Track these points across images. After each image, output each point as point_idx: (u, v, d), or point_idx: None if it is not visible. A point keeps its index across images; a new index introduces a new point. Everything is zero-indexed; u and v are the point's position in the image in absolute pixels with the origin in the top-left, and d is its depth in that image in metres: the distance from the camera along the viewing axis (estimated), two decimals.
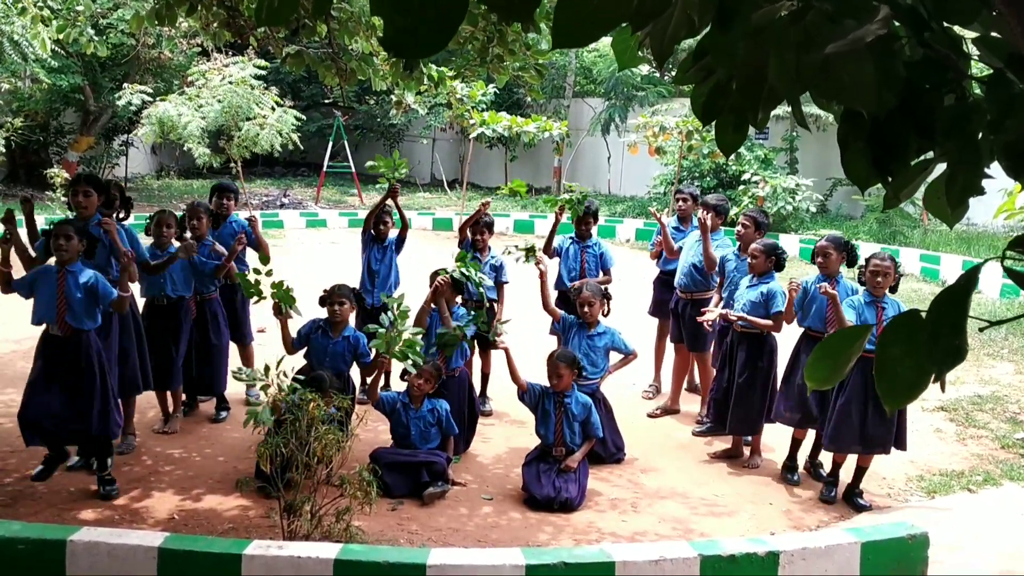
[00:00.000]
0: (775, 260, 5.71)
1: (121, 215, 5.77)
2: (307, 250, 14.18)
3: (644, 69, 20.87)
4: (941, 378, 1.12)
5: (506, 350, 5.48)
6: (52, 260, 4.96)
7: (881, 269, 5.09)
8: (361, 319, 6.59)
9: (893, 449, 5.28)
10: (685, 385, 7.19)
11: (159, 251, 5.88)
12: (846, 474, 5.42)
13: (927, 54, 1.31)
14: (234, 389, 6.72)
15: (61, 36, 7.14)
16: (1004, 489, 5.53)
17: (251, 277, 5.05)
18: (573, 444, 5.37)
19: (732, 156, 15.66)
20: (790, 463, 5.69)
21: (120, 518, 4.71)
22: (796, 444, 5.69)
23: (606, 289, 6.05)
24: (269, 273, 5.05)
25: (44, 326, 4.91)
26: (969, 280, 1.12)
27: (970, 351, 8.70)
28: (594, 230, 7.13)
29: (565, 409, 5.37)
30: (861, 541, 4.20)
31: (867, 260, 5.22)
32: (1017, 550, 4.72)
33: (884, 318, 5.06)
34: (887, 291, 5.17)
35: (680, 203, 7.23)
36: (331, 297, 5.55)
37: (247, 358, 6.76)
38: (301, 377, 4.78)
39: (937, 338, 1.08)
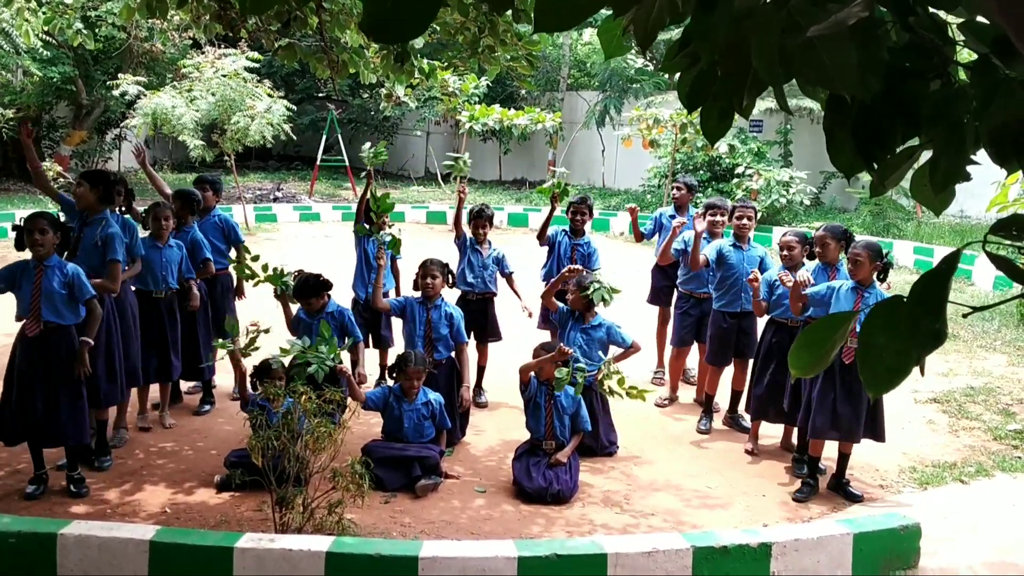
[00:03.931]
0: (809, 249, 5.70)
1: (122, 208, 5.76)
2: (301, 244, 14.15)
3: (639, 62, 20.86)
4: (921, 362, 1.12)
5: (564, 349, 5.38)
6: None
7: (852, 256, 5.15)
8: (357, 314, 6.59)
9: (879, 440, 5.29)
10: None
11: (158, 243, 5.85)
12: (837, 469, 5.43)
13: (912, 39, 1.30)
14: (221, 383, 6.71)
15: (48, 28, 7.09)
16: (996, 480, 5.55)
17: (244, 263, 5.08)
18: (563, 437, 5.36)
19: (726, 149, 15.67)
20: (799, 455, 5.68)
21: (111, 512, 4.70)
22: (803, 434, 5.67)
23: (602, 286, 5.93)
24: (256, 258, 5.10)
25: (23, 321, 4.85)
26: (950, 264, 1.12)
27: (963, 343, 8.75)
28: (588, 226, 7.13)
29: (555, 402, 5.37)
30: (853, 532, 4.22)
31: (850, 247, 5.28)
32: (1009, 541, 4.74)
33: (863, 305, 5.06)
34: (875, 280, 5.17)
35: (675, 191, 7.37)
36: (297, 297, 5.62)
37: (234, 354, 6.72)
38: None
39: (917, 322, 1.08)
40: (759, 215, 6.59)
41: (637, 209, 7.53)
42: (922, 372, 1.20)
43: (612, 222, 17.08)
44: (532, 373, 5.39)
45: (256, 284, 5.37)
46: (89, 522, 4.06)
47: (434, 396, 5.46)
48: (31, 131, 5.75)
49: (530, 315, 6.74)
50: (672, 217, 7.20)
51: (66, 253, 5.21)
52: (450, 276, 6.09)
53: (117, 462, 5.37)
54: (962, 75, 1.37)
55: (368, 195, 6.59)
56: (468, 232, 6.79)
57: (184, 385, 6.62)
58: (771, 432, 6.10)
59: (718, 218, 6.54)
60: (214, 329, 6.51)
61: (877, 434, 5.29)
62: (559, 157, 22.50)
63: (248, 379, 5.12)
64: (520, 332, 7.13)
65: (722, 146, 16.02)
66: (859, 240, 5.29)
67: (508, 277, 6.82)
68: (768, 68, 1.22)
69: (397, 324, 6.73)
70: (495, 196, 21.34)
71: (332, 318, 5.66)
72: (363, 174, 6.96)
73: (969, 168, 1.40)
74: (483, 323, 6.65)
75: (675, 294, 7.06)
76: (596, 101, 21.82)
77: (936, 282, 1.09)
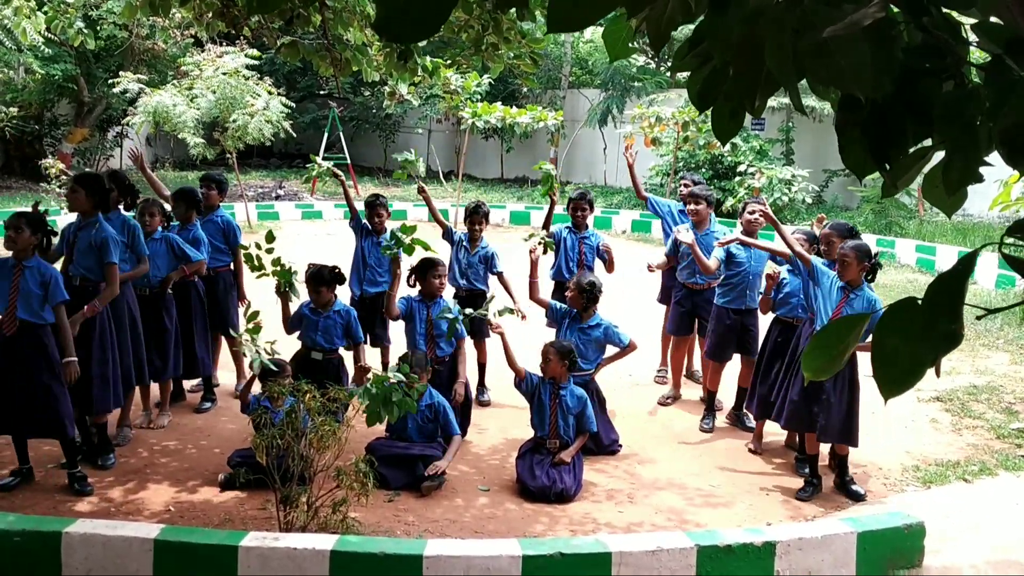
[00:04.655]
0: (816, 249, 5.71)
1: (125, 204, 5.77)
2: (303, 242, 14.14)
3: (640, 60, 20.84)
4: (937, 363, 1.11)
5: (501, 335, 5.47)
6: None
7: (840, 257, 5.15)
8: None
9: (852, 445, 5.28)
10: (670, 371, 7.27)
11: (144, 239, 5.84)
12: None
13: (926, 39, 1.30)
14: (224, 381, 6.72)
15: (50, 27, 7.08)
16: (1000, 479, 5.54)
17: (252, 252, 5.06)
18: (567, 436, 5.36)
19: (728, 147, 15.68)
20: (802, 455, 5.68)
21: (116, 510, 4.70)
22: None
23: (594, 284, 5.88)
24: (272, 238, 5.12)
25: None
26: (966, 265, 1.11)
27: (965, 341, 8.73)
28: (590, 220, 7.14)
29: (560, 401, 5.36)
30: (858, 531, 4.21)
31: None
32: (1013, 539, 4.73)
33: (846, 306, 5.05)
34: (864, 282, 5.15)
35: (683, 188, 7.33)
36: (308, 284, 5.66)
37: (236, 351, 6.72)
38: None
39: (933, 323, 1.07)
40: None
41: (633, 150, 7.40)
42: (937, 373, 1.19)
43: (614, 220, 17.07)
44: (538, 366, 5.40)
45: (259, 276, 5.37)
46: (94, 521, 4.06)
47: (439, 399, 5.42)
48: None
49: (523, 318, 6.75)
50: (681, 212, 7.22)
51: (62, 257, 5.22)
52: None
53: (121, 460, 5.37)
54: (975, 76, 1.37)
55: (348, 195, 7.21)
56: (461, 229, 6.83)
57: (188, 383, 6.62)
58: (774, 430, 6.09)
59: (700, 207, 6.58)
60: (216, 326, 6.52)
61: (851, 439, 5.25)
62: (561, 155, 22.49)
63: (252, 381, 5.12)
64: (525, 330, 7.13)
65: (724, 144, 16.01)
66: (847, 242, 5.25)
67: (499, 276, 6.82)
68: (782, 68, 1.21)
69: (394, 322, 6.75)
70: (497, 194, 21.34)
71: (339, 316, 5.70)
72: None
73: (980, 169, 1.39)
74: (473, 320, 6.64)
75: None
76: (598, 99, 21.79)
77: (952, 283, 1.09)
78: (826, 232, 5.57)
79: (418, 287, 5.98)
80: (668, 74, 21.28)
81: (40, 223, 4.87)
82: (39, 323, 4.77)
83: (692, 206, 6.66)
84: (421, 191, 6.94)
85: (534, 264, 5.99)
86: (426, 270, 5.90)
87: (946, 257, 12.80)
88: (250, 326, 4.59)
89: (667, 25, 1.30)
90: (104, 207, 5.37)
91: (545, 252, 6.31)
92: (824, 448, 5.52)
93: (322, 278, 5.64)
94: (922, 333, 1.08)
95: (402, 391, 4.36)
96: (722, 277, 6.36)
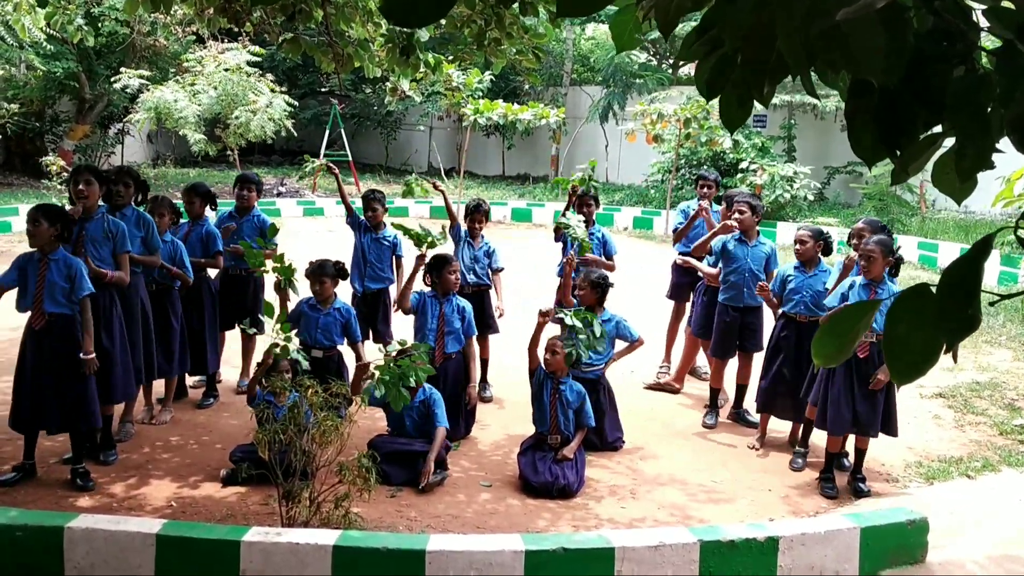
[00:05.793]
0: (823, 245, 5.70)
1: (137, 199, 5.77)
2: (304, 238, 14.14)
3: (642, 57, 20.82)
4: (953, 349, 1.10)
5: (542, 323, 5.47)
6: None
7: (865, 253, 5.14)
8: (355, 307, 6.59)
9: (893, 435, 5.30)
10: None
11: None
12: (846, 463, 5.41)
13: (937, 24, 1.29)
14: (225, 378, 6.71)
15: (49, 23, 7.07)
16: (1002, 475, 5.54)
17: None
18: (568, 431, 5.35)
19: (730, 143, 15.57)
20: (802, 449, 5.67)
21: (118, 505, 4.70)
22: (809, 425, 5.65)
23: (606, 279, 5.94)
24: (274, 230, 5.11)
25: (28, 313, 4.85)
26: (980, 250, 1.10)
27: (968, 338, 8.72)
28: (594, 216, 7.13)
29: (560, 396, 5.36)
30: (860, 526, 4.20)
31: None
32: (1015, 535, 4.72)
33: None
34: (886, 276, 5.16)
35: (704, 189, 7.21)
36: (311, 276, 5.65)
37: (247, 348, 6.72)
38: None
39: (948, 309, 1.06)
40: (762, 211, 6.49)
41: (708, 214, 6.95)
42: (955, 359, 1.18)
43: (616, 217, 17.06)
44: (543, 358, 5.39)
45: (260, 273, 5.37)
46: (96, 516, 4.05)
47: (431, 393, 5.37)
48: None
49: (501, 314, 6.75)
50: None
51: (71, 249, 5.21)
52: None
53: (122, 456, 5.36)
54: (986, 61, 1.36)
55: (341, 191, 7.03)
56: (464, 225, 6.82)
57: (190, 379, 6.61)
58: (777, 427, 6.09)
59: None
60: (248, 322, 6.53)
61: (891, 429, 5.29)
62: (562, 152, 22.48)
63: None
64: (527, 328, 7.11)
65: (726, 141, 16.01)
66: (871, 237, 5.24)
67: (496, 272, 6.82)
68: (794, 55, 1.20)
69: (396, 319, 6.75)
70: (498, 191, 21.31)
71: (340, 314, 5.68)
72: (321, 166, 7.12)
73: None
74: (480, 316, 6.64)
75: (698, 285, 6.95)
76: (599, 96, 21.78)
77: (967, 268, 1.08)
78: (859, 227, 5.55)
79: (430, 284, 5.96)
80: (670, 71, 21.27)
81: (59, 214, 4.88)
82: (67, 313, 4.79)
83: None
84: (436, 187, 6.99)
85: (569, 272, 5.96)
86: (442, 267, 5.87)
87: (948, 254, 12.79)
88: (277, 326, 4.66)
89: (676, 12, 1.29)
90: (107, 198, 5.37)
91: (582, 255, 6.22)
92: (820, 443, 5.50)
93: (326, 270, 5.64)
94: (935, 319, 1.08)
95: (413, 370, 4.40)
96: (721, 275, 6.34)
